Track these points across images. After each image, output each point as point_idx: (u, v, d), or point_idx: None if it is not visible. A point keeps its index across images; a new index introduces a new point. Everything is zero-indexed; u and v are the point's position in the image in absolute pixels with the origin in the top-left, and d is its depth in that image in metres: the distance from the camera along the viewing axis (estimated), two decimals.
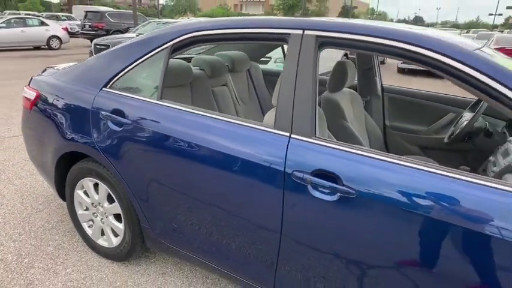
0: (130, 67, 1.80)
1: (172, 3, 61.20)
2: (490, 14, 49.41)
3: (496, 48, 10.00)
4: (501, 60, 1.23)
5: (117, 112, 1.74)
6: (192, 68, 2.36)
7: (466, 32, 32.46)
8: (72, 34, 18.44)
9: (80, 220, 2.16)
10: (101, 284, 1.92)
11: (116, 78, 1.83)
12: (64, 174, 2.13)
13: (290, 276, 1.43)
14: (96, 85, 1.88)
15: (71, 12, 24.04)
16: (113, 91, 1.82)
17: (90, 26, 14.74)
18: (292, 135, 1.33)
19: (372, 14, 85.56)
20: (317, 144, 1.29)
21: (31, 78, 2.27)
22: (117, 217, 1.98)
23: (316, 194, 1.25)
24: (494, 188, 1.05)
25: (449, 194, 1.08)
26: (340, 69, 2.08)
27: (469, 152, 2.31)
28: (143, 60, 1.77)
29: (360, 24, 1.33)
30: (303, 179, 1.27)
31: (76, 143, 1.90)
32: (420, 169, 1.14)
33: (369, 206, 1.17)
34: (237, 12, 70.47)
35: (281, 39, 1.43)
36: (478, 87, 1.13)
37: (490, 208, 1.03)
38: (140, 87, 1.80)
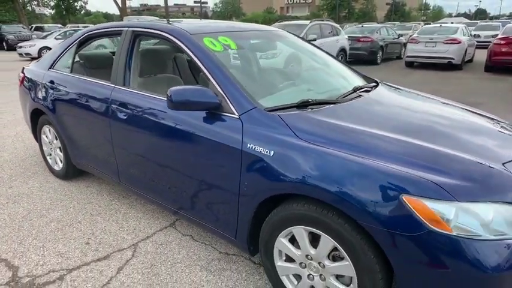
0: (61, 55, 3.01)
1: (218, 10, 64.27)
2: None
3: (501, 38, 9.92)
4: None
5: (51, 82, 2.94)
6: None
7: None
8: None
9: (45, 154, 3.42)
10: (49, 190, 3.13)
11: (55, 62, 3.05)
12: (36, 125, 3.39)
13: (124, 169, 2.49)
14: (46, 67, 3.11)
15: None
16: (53, 70, 3.03)
17: None
18: (115, 86, 2.41)
19: (426, 9, 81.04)
20: (123, 89, 2.35)
21: (23, 68, 3.58)
22: (61, 149, 3.19)
23: (119, 114, 2.31)
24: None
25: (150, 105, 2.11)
26: None
27: None
28: (67, 51, 2.96)
29: (149, 23, 2.38)
30: (115, 108, 2.34)
31: (36, 103, 3.14)
32: (143, 95, 2.17)
33: (132, 118, 2.21)
34: (282, 15, 71.56)
35: (119, 33, 2.51)
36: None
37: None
38: (65, 66, 2.98)
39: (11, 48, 18.86)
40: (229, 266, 2.15)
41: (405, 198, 1.31)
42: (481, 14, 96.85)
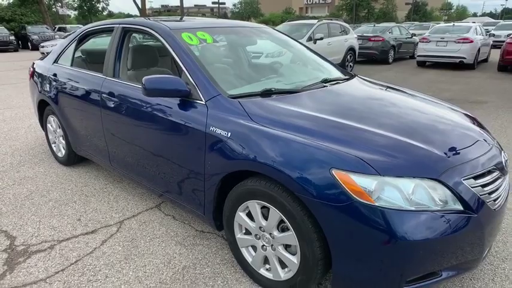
0: (64, 50, 3.28)
1: (237, 10, 64.81)
2: None
3: None
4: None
5: (54, 74, 3.22)
6: None
7: None
8: None
9: (50, 142, 3.71)
10: (52, 174, 3.41)
11: (59, 56, 3.33)
12: (43, 115, 3.69)
13: (114, 154, 2.72)
14: (51, 62, 3.39)
15: None
16: (57, 64, 3.31)
17: None
18: (106, 77, 2.65)
19: (448, 9, 78.86)
20: (112, 80, 2.58)
21: (33, 63, 3.90)
22: (63, 137, 3.46)
23: (108, 103, 2.54)
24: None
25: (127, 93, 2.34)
26: None
27: None
28: (69, 46, 3.23)
29: (136, 20, 2.60)
30: (105, 97, 2.57)
31: (42, 95, 3.43)
32: (127, 85, 2.40)
33: (118, 105, 2.44)
34: (301, 15, 71.32)
35: (111, 30, 2.75)
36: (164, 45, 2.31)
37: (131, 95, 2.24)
38: (67, 60, 3.25)
39: (35, 47, 19.74)
40: (202, 241, 2.34)
41: (334, 172, 1.47)
42: (507, 13, 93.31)
